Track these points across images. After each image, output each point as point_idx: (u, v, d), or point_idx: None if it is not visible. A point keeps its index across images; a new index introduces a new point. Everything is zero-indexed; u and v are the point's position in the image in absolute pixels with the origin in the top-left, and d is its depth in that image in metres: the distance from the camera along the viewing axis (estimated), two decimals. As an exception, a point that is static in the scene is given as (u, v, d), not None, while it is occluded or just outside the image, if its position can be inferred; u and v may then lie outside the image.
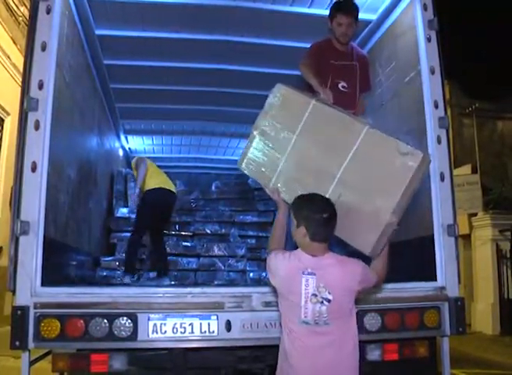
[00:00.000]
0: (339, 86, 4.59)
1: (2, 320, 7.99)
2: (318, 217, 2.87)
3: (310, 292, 2.77)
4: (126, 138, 9.80)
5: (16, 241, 3.46)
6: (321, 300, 2.76)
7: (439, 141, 4.17)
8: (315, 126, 3.43)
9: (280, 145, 3.56)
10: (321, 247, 2.89)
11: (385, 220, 3.04)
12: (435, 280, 3.98)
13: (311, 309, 2.76)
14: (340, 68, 4.60)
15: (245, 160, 3.82)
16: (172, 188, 6.78)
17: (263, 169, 3.66)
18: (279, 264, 2.92)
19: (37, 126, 3.62)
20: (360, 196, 3.15)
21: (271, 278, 2.98)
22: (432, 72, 4.28)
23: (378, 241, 3.06)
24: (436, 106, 4.24)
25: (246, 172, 3.83)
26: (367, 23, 5.52)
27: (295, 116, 3.53)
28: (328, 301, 2.77)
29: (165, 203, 6.72)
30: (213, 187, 9.15)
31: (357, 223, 3.11)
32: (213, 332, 3.57)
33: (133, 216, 7.42)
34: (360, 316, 3.71)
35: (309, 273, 2.79)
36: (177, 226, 8.21)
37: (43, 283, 3.50)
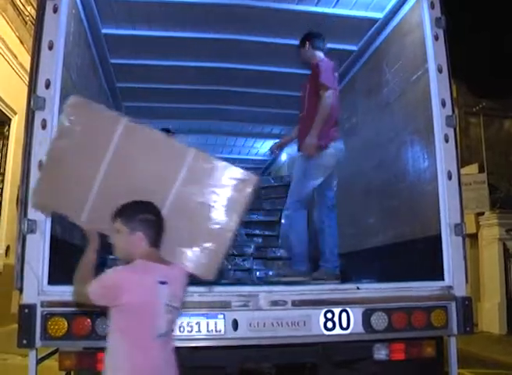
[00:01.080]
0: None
1: (9, 318, 8.01)
2: (156, 219, 2.80)
3: (164, 302, 2.67)
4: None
5: (23, 239, 3.47)
6: (171, 309, 2.71)
7: (446, 140, 4.16)
8: (131, 149, 3.08)
9: (88, 171, 3.09)
10: (157, 253, 2.81)
11: (226, 246, 3.01)
12: (443, 279, 3.97)
13: (166, 320, 2.68)
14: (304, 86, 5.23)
15: (40, 191, 3.26)
16: None
17: (68, 200, 3.14)
18: (126, 279, 2.65)
19: (44, 125, 3.62)
20: (195, 223, 3.03)
21: (113, 298, 2.62)
22: (440, 70, 4.27)
23: (215, 263, 3.00)
24: (444, 105, 4.22)
25: (44, 205, 3.34)
26: (373, 21, 5.50)
27: (102, 137, 3.10)
28: (176, 309, 2.74)
29: None
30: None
31: (195, 250, 2.99)
32: (220, 331, 3.57)
33: None
34: (367, 315, 3.72)
35: (163, 283, 2.68)
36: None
37: (50, 282, 3.50)
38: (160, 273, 2.72)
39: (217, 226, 2.99)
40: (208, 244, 2.97)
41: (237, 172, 3.04)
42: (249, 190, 3.01)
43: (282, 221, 5.12)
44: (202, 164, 3.08)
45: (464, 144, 14.57)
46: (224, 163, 3.08)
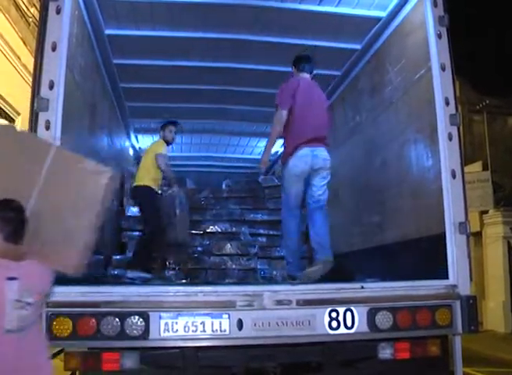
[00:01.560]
0: None
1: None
2: (14, 216, 2.81)
3: (13, 298, 2.65)
4: (136, 137, 9.81)
5: (28, 240, 3.47)
6: (23, 305, 2.68)
7: (450, 138, 4.16)
8: (1, 150, 3.17)
9: None
10: (15, 249, 2.80)
11: (86, 239, 3.05)
12: (447, 278, 3.96)
13: (16, 316, 2.66)
14: None
15: None
16: (136, 183, 6.72)
17: None
18: None
19: (47, 126, 3.64)
20: (59, 219, 3.08)
21: None
22: (443, 69, 4.27)
23: (82, 258, 3.05)
24: (447, 103, 4.22)
25: None
26: (377, 20, 5.50)
27: None
28: (30, 304, 2.71)
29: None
30: (223, 186, 9.10)
31: (59, 246, 3.05)
32: (225, 331, 3.57)
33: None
34: (371, 314, 3.72)
35: (13, 279, 2.66)
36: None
37: (55, 282, 3.50)
38: (10, 269, 2.71)
39: (79, 221, 3.05)
40: (72, 239, 3.03)
41: (94, 165, 3.16)
42: (105, 182, 3.11)
43: None
44: (63, 160, 3.14)
45: (468, 141, 14.54)
46: (80, 157, 3.18)
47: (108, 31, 5.60)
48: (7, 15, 8.97)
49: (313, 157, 4.95)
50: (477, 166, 13.75)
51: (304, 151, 4.94)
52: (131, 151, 9.91)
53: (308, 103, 5.06)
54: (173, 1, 5.23)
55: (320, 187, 5.01)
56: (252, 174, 10.08)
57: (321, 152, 5.03)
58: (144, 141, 9.96)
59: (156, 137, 9.37)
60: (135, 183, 6.67)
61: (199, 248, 7.81)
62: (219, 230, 8.11)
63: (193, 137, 9.81)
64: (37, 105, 3.64)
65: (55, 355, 3.86)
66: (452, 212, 4.05)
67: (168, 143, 6.89)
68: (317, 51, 5.79)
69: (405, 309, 3.77)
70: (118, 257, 7.19)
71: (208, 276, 7.35)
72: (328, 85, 7.10)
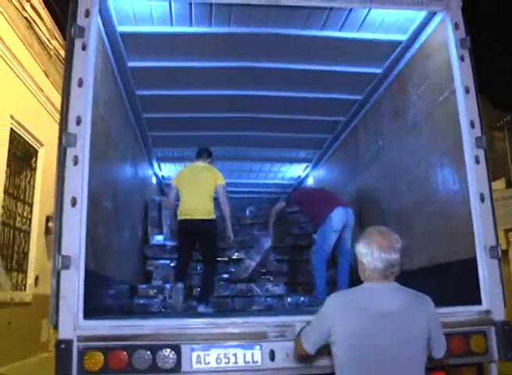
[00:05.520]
0: None
1: (39, 347, 8.00)
2: None
3: None
4: (159, 166, 9.89)
5: (57, 275, 3.48)
6: None
7: (477, 162, 4.14)
8: None
9: None
10: None
11: None
12: (480, 303, 3.88)
13: None
14: None
15: None
16: (201, 215, 6.18)
17: None
18: None
19: (75, 162, 3.66)
20: None
21: None
22: (467, 91, 4.24)
23: None
24: (473, 126, 4.19)
25: None
26: (397, 43, 5.50)
27: None
28: None
29: (191, 233, 6.29)
30: (247, 212, 9.11)
31: None
32: (257, 362, 3.52)
33: (169, 243, 7.95)
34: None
35: None
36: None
37: (85, 316, 3.51)
38: None
39: None
40: None
41: None
42: None
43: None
44: None
45: (490, 159, 14.37)
46: None
47: (130, 64, 5.68)
48: (31, 49, 9.15)
49: (347, 215, 6.23)
50: (500, 184, 13.57)
51: (340, 211, 6.20)
52: (154, 180, 9.97)
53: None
54: (194, 32, 5.26)
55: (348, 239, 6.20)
56: (275, 199, 10.08)
57: (350, 211, 6.31)
58: (167, 170, 10.05)
59: (179, 166, 9.44)
60: (205, 217, 6.22)
61: (225, 276, 7.77)
62: (244, 257, 8.05)
63: (215, 164, 9.85)
64: (66, 140, 3.66)
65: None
66: (482, 236, 3.98)
67: None
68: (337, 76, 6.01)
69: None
70: (143, 286, 7.18)
71: (235, 303, 7.28)
72: (349, 109, 7.13)
